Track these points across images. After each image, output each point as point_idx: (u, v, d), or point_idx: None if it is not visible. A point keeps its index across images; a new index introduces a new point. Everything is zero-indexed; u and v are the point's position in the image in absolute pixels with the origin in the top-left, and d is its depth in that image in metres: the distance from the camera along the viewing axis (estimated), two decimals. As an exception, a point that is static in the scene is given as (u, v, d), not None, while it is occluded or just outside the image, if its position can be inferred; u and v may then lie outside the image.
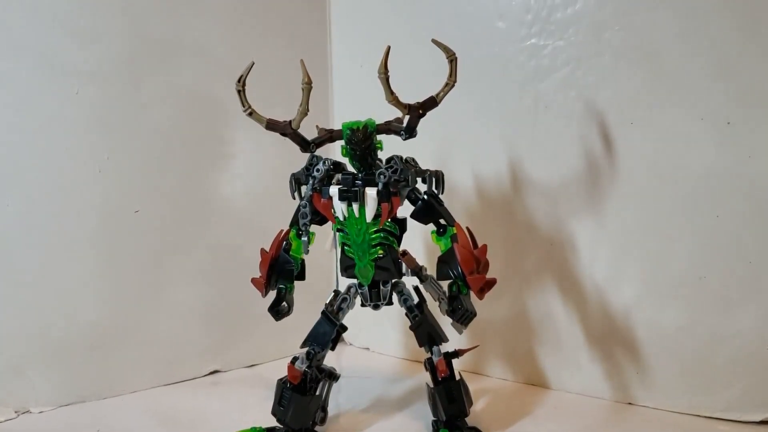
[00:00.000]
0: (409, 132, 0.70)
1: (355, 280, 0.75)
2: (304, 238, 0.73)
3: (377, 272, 0.72)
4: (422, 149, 0.78)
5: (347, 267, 0.73)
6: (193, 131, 0.94)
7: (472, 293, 0.69)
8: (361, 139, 0.68)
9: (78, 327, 0.87)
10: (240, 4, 0.97)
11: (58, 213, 0.84)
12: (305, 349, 0.74)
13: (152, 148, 0.90)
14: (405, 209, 0.72)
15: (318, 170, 0.71)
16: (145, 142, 0.90)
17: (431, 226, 0.73)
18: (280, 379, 0.74)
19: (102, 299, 0.88)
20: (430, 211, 0.72)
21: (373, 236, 0.70)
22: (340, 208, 0.70)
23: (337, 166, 0.73)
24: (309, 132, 0.73)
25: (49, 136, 0.83)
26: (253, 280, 0.74)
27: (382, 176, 0.68)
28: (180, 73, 0.92)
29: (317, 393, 0.75)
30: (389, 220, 0.71)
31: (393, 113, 0.70)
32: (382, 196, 0.69)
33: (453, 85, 0.68)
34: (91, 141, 0.86)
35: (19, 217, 0.82)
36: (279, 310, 0.74)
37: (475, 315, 0.70)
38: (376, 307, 0.75)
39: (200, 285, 0.96)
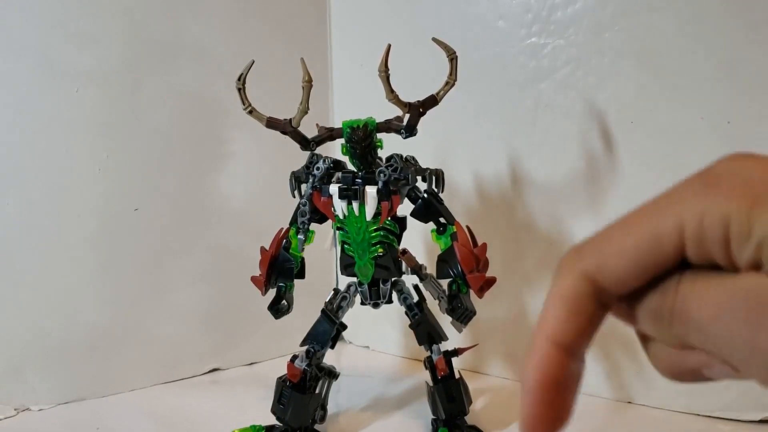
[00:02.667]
0: (409, 130, 0.70)
1: (354, 279, 0.75)
2: (301, 237, 0.73)
3: (377, 271, 0.72)
4: (422, 148, 0.78)
5: (347, 265, 0.73)
6: (193, 131, 0.94)
7: (471, 292, 0.69)
8: (362, 138, 0.68)
9: (78, 326, 0.87)
10: (240, 3, 0.98)
11: (58, 213, 0.84)
12: (305, 348, 0.74)
13: (152, 148, 0.90)
14: (405, 208, 0.72)
15: (318, 168, 0.71)
16: (145, 142, 0.90)
17: (431, 225, 0.73)
18: (280, 378, 0.74)
19: (102, 299, 0.88)
20: (430, 209, 0.72)
21: (373, 235, 0.71)
22: (340, 206, 0.70)
23: (338, 165, 0.73)
24: (309, 130, 0.73)
25: (49, 137, 0.83)
26: (253, 279, 0.74)
27: (382, 175, 0.68)
28: (180, 73, 0.92)
29: (317, 391, 0.75)
30: (389, 218, 0.71)
31: (393, 112, 0.70)
32: (382, 195, 0.69)
33: (453, 84, 0.68)
34: (91, 142, 0.86)
35: (19, 217, 0.82)
36: (279, 309, 0.74)
37: (474, 314, 0.70)
38: (375, 305, 0.75)
39: (200, 284, 0.96)
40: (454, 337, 0.76)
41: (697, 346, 0.23)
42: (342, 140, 0.70)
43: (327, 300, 0.76)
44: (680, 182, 0.24)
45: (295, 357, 0.73)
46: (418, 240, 0.91)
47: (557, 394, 0.25)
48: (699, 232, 0.22)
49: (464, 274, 0.68)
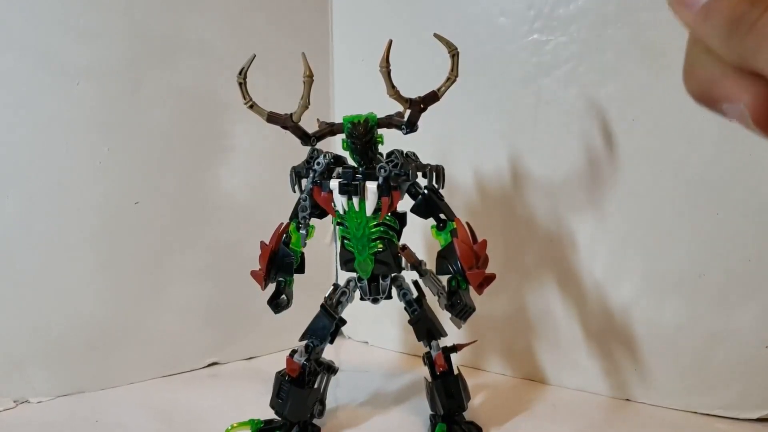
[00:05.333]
0: (410, 126, 0.70)
1: (354, 274, 0.75)
2: (303, 232, 0.73)
3: (377, 266, 0.72)
4: (423, 144, 0.78)
5: (347, 261, 0.73)
6: (194, 127, 0.94)
7: (471, 288, 0.70)
8: (362, 133, 0.68)
9: (78, 321, 0.87)
10: (242, -2, 0.97)
11: (58, 210, 0.84)
12: (304, 342, 0.74)
13: (152, 145, 0.90)
14: (405, 204, 0.72)
15: (319, 163, 0.71)
16: (145, 139, 0.89)
17: (431, 221, 0.73)
18: (279, 372, 0.74)
19: (101, 293, 0.88)
20: (430, 205, 0.72)
21: (373, 230, 0.71)
22: (340, 201, 0.70)
23: (338, 160, 0.73)
24: (310, 125, 0.73)
25: (49, 134, 0.82)
26: (253, 273, 0.74)
27: (382, 170, 0.68)
28: (181, 69, 0.91)
29: (315, 386, 0.75)
30: (389, 214, 0.71)
31: (394, 107, 0.70)
32: (383, 191, 0.69)
33: (454, 80, 0.68)
34: (91, 140, 0.85)
35: (19, 214, 0.82)
36: (278, 303, 0.74)
37: (474, 310, 0.70)
38: (375, 301, 0.75)
39: (200, 278, 0.96)
40: (453, 334, 0.76)
41: (758, 68, 0.23)
42: (342, 135, 0.70)
43: (326, 295, 0.76)
44: None
45: (294, 352, 0.73)
46: (418, 236, 0.91)
47: None
48: None
49: (464, 270, 0.68)
